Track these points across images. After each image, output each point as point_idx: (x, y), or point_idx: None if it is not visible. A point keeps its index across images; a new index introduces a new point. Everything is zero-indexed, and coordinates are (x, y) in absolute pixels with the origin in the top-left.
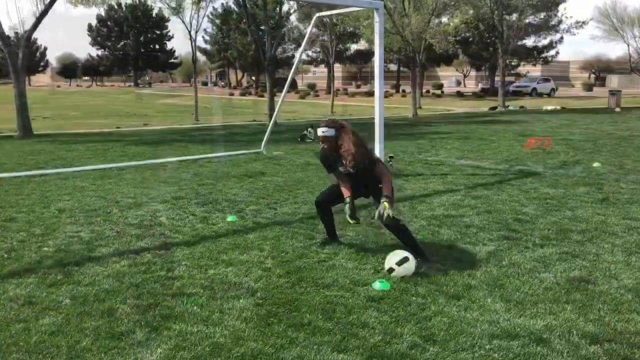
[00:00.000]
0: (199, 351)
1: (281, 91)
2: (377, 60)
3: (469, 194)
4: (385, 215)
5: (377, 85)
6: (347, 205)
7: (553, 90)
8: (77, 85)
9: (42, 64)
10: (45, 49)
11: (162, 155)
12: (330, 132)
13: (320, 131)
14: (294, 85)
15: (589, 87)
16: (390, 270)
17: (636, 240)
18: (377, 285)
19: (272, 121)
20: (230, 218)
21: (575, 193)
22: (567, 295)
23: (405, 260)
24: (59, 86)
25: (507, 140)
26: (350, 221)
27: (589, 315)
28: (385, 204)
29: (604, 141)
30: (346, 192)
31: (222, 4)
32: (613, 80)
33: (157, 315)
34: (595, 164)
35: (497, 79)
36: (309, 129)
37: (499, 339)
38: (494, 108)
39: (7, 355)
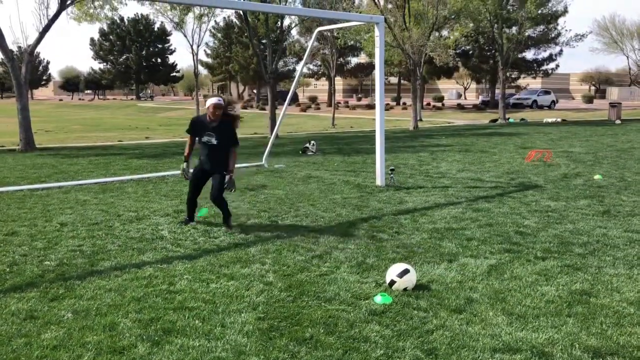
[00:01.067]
0: None
1: (282, 104)
2: (378, 73)
3: (470, 207)
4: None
5: (378, 98)
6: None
7: (553, 102)
8: (79, 99)
9: (44, 77)
10: (48, 62)
11: (163, 169)
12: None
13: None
14: (295, 99)
15: (589, 99)
16: (392, 282)
17: (638, 253)
18: (379, 299)
19: (273, 134)
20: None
21: (576, 206)
22: (569, 309)
23: (405, 272)
24: (61, 100)
25: (508, 152)
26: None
27: (591, 328)
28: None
29: (605, 153)
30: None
31: (224, 18)
32: (613, 93)
33: (159, 329)
34: (596, 177)
35: (497, 91)
36: (312, 142)
37: (501, 353)
38: (495, 120)
39: None
